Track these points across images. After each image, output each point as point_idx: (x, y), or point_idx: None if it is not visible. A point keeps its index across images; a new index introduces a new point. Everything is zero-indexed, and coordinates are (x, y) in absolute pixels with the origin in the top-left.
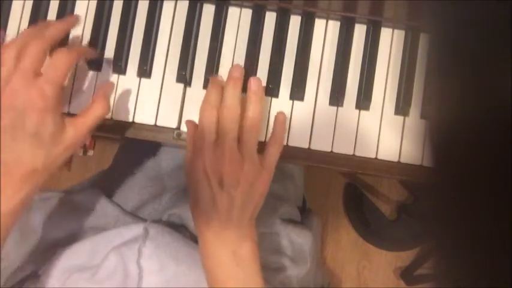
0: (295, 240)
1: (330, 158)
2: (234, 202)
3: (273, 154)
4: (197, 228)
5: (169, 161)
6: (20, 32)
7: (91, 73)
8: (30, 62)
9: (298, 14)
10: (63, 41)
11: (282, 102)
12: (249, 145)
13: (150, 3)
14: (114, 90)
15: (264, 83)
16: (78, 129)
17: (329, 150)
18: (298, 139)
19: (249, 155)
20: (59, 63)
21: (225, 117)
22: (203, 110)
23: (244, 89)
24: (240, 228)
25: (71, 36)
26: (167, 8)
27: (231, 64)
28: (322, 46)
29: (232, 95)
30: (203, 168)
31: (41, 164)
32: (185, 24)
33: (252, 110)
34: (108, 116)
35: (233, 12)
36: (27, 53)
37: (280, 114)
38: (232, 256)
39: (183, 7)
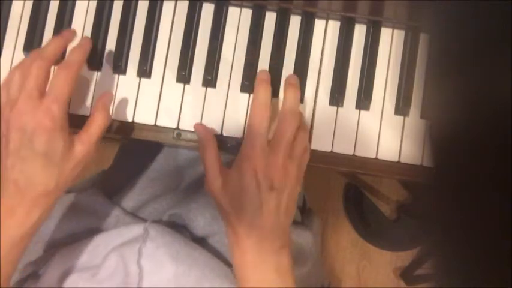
0: (295, 240)
1: (330, 158)
2: (281, 205)
3: (305, 157)
4: (236, 238)
5: (170, 161)
6: (19, 30)
7: (91, 73)
8: (34, 82)
9: (298, 14)
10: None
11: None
12: (300, 150)
13: (150, 3)
14: (115, 90)
15: None
16: (85, 143)
17: (329, 150)
18: None
19: (297, 160)
20: (62, 80)
21: (288, 125)
22: (256, 111)
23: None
24: (284, 234)
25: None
26: (167, 8)
27: (231, 64)
28: (322, 46)
29: (295, 97)
30: (254, 173)
31: (54, 184)
32: (185, 24)
33: (303, 121)
34: None
35: (233, 12)
36: (30, 74)
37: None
38: (274, 262)
39: (183, 7)
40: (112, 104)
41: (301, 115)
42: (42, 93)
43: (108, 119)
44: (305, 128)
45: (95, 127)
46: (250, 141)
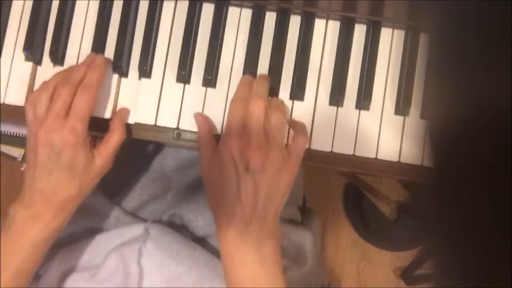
0: (295, 240)
1: (330, 158)
2: (260, 189)
3: (300, 142)
4: (219, 229)
5: (170, 161)
6: (19, 30)
7: None
8: (61, 104)
9: (298, 14)
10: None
11: None
12: (276, 133)
13: (150, 3)
14: (115, 90)
15: None
16: (103, 157)
17: (329, 150)
18: None
19: (275, 143)
20: (83, 102)
21: (253, 104)
22: (233, 104)
23: None
24: (264, 222)
25: (71, 42)
26: (167, 8)
27: (231, 64)
28: (322, 46)
29: (262, 85)
30: (231, 154)
31: (76, 192)
32: (185, 24)
33: (279, 101)
34: (108, 116)
35: (233, 12)
36: (60, 97)
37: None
38: (257, 254)
39: (183, 7)
40: (112, 104)
41: (279, 103)
42: (66, 113)
43: (124, 134)
44: (277, 113)
45: (112, 142)
46: (228, 127)
